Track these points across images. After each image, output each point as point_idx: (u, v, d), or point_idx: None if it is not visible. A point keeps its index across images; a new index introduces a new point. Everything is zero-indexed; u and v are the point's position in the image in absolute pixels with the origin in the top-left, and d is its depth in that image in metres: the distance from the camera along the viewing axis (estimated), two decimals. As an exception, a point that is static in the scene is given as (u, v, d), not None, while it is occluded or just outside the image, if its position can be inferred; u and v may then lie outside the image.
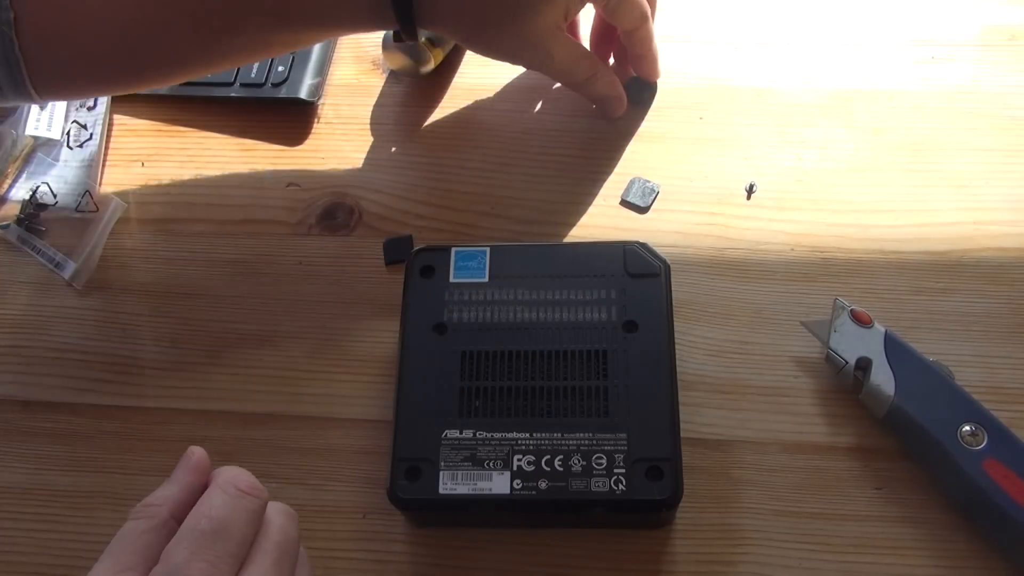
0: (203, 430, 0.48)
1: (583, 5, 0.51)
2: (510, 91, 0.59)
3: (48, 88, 0.48)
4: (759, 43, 0.59)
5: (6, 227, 0.56)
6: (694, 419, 0.46)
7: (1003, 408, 0.44)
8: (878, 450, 0.45)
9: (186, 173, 0.58)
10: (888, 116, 0.55)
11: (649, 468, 0.41)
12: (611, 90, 0.54)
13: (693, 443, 0.45)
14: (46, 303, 0.53)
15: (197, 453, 0.36)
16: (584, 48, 0.54)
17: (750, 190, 0.53)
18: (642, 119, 0.57)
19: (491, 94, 0.59)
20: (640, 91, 0.57)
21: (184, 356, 0.51)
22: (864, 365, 0.45)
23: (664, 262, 0.47)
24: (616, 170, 0.55)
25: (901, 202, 0.52)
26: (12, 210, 0.56)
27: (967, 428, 0.42)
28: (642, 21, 0.52)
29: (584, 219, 0.53)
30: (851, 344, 0.45)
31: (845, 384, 0.46)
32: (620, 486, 0.41)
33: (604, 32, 0.57)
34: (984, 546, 0.42)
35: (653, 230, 0.52)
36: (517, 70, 0.59)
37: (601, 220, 0.53)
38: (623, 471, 0.41)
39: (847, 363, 0.45)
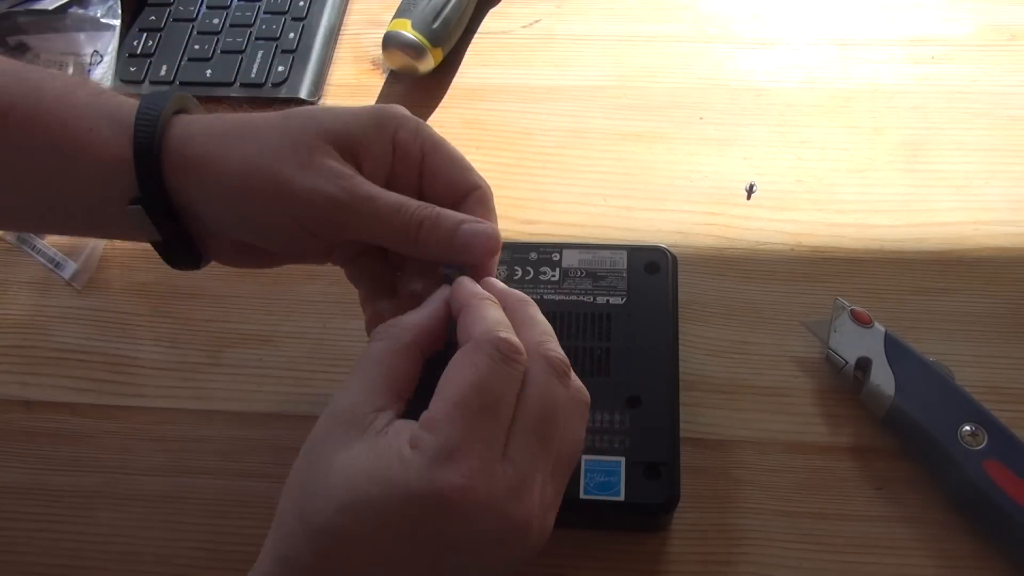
0: (203, 430, 0.48)
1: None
2: (510, 91, 0.59)
3: None
4: (759, 43, 0.59)
5: (6, 227, 0.56)
6: (694, 419, 0.46)
7: (1003, 408, 0.44)
8: (878, 450, 0.45)
9: (186, 173, 0.58)
10: (888, 116, 0.55)
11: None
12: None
13: (693, 443, 0.45)
14: (46, 303, 0.53)
15: (455, 288, 0.35)
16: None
17: (750, 190, 0.53)
18: (643, 120, 0.57)
19: (491, 94, 0.59)
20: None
21: (184, 356, 0.51)
22: (864, 365, 0.45)
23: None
24: (616, 170, 0.55)
25: (901, 202, 0.52)
26: (12, 210, 0.56)
27: (967, 428, 0.42)
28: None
29: (584, 219, 0.53)
30: (851, 344, 0.45)
31: (845, 384, 0.46)
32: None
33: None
34: (984, 546, 0.42)
35: (653, 230, 0.52)
36: (517, 70, 0.59)
37: (601, 220, 0.53)
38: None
39: (847, 363, 0.45)
